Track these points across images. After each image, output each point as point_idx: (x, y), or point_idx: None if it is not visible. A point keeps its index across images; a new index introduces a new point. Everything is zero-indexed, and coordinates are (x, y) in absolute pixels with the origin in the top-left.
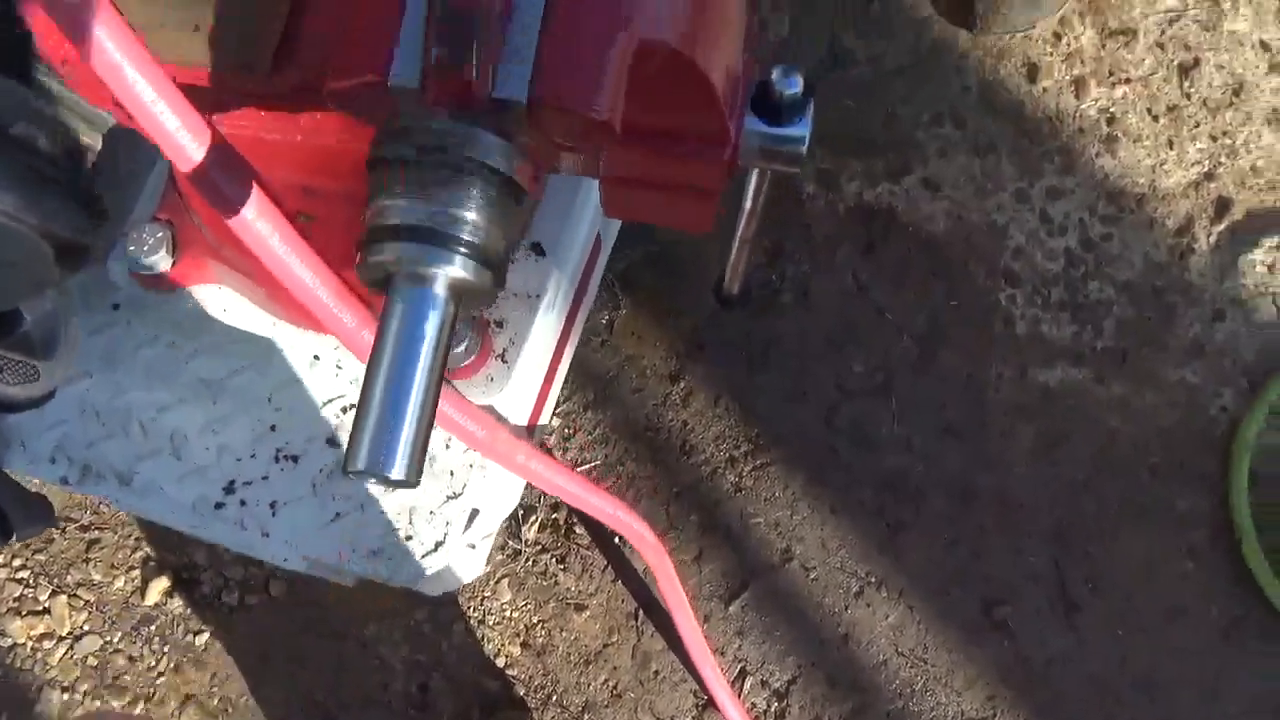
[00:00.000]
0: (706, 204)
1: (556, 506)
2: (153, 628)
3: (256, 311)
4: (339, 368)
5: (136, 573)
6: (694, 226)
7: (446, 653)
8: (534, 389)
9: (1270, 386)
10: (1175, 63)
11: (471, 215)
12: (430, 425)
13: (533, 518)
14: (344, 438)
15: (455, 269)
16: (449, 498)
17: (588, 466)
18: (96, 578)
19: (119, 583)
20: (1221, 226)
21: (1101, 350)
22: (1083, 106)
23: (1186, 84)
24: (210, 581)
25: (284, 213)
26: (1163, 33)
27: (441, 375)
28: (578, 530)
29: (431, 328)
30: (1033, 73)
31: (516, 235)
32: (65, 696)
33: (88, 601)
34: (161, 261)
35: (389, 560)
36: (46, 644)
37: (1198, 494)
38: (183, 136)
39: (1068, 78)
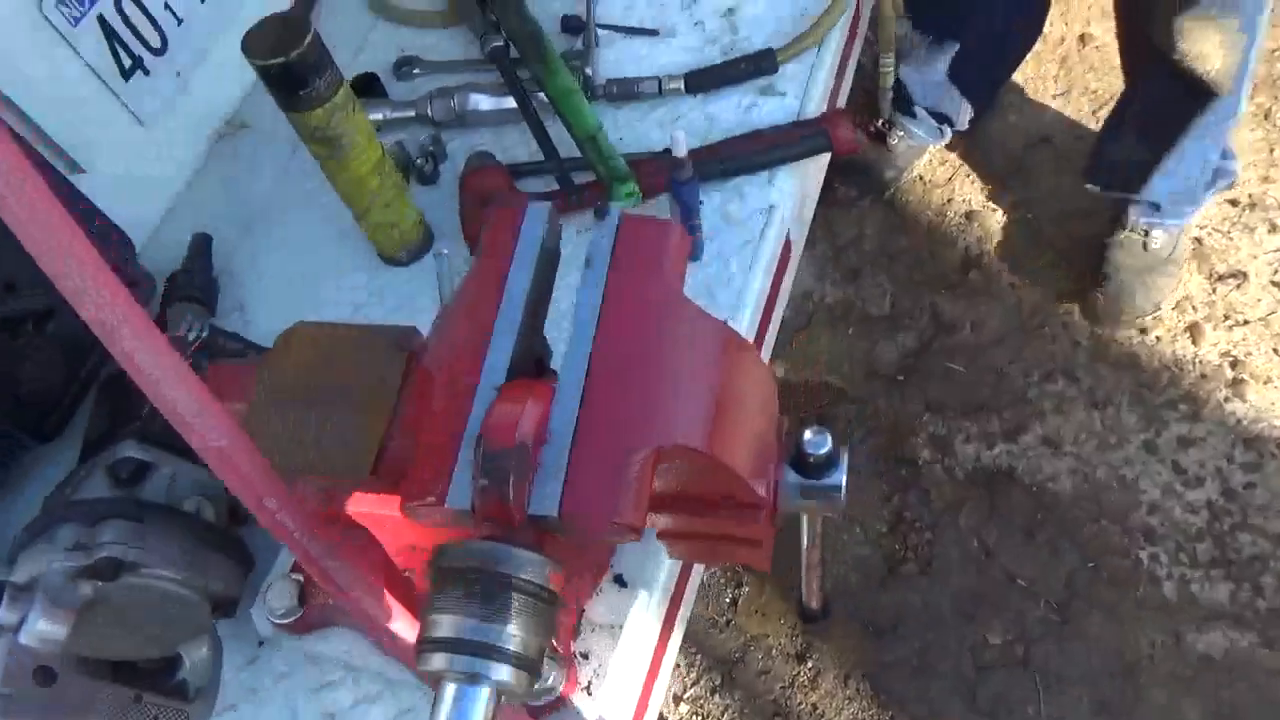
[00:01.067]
0: (759, 550)
1: None
2: None
3: (374, 649)
4: None
5: None
6: (754, 565)
7: None
8: (625, 714)
9: None
10: None
11: (510, 627)
12: None
13: None
14: None
15: (497, 674)
16: None
17: None
18: None
19: None
20: None
21: (1266, 611)
22: (1201, 352)
23: None
24: None
25: (394, 570)
26: (1275, 271)
27: None
28: None
29: None
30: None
31: (552, 630)
32: None
33: None
34: (294, 610)
35: None
36: None
37: None
38: (303, 539)
39: (1181, 324)
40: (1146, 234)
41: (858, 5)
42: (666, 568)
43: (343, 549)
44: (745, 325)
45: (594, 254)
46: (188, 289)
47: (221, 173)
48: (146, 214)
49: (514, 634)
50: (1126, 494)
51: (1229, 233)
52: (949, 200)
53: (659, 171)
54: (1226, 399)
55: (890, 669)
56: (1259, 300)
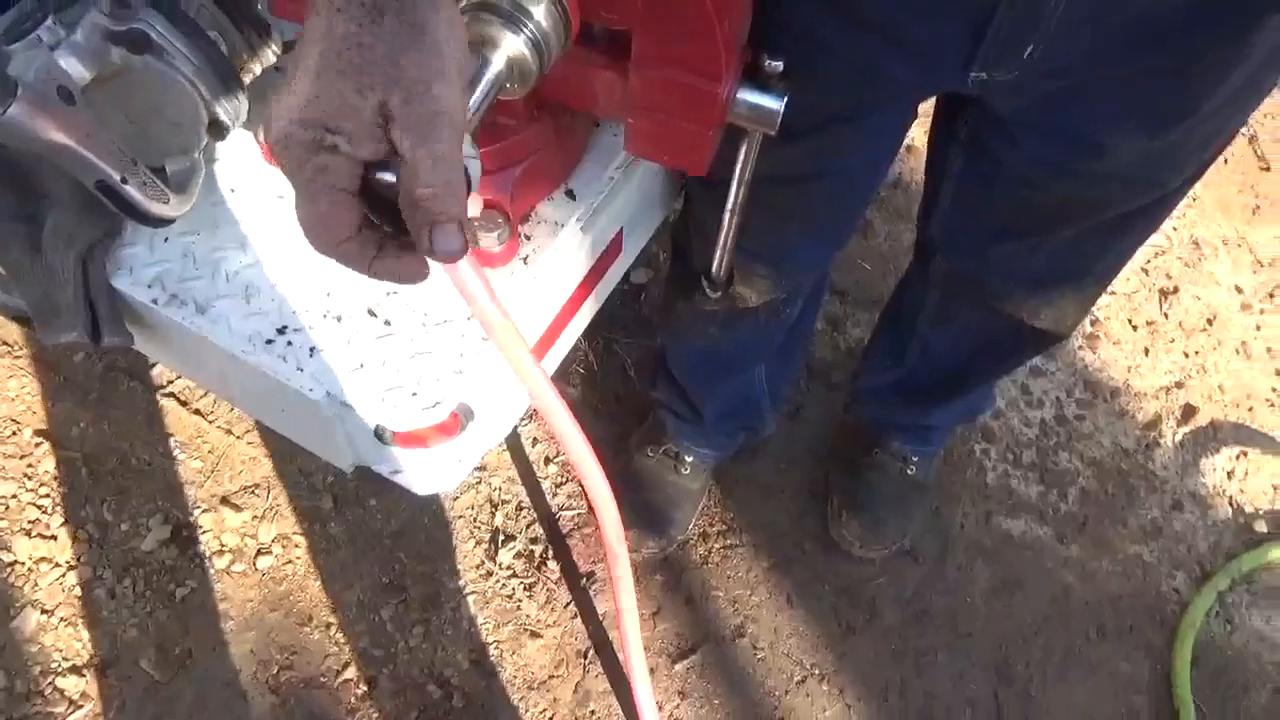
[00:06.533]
0: (703, 142)
1: (535, 540)
2: (140, 571)
3: None
4: None
5: (144, 520)
6: (692, 167)
7: (401, 653)
8: (546, 313)
9: (1222, 573)
10: (1157, 286)
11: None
12: None
13: (511, 544)
14: (381, 312)
15: (513, 43)
16: (456, 372)
17: (572, 513)
18: (107, 518)
19: (124, 526)
20: (1187, 429)
21: (1064, 514)
22: None
23: (1165, 305)
24: (207, 543)
25: None
26: (1148, 261)
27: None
28: (550, 565)
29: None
30: None
31: (558, 52)
32: (42, 618)
33: (92, 537)
34: None
35: (392, 407)
36: (43, 567)
37: (1142, 661)
38: None
39: None
40: (904, 460)
41: None
42: (604, 199)
43: None
44: None
45: None
46: None
47: None
48: None
49: (540, 20)
50: None
51: None
52: None
53: None
54: (1080, 347)
55: (742, 482)
56: (1129, 279)
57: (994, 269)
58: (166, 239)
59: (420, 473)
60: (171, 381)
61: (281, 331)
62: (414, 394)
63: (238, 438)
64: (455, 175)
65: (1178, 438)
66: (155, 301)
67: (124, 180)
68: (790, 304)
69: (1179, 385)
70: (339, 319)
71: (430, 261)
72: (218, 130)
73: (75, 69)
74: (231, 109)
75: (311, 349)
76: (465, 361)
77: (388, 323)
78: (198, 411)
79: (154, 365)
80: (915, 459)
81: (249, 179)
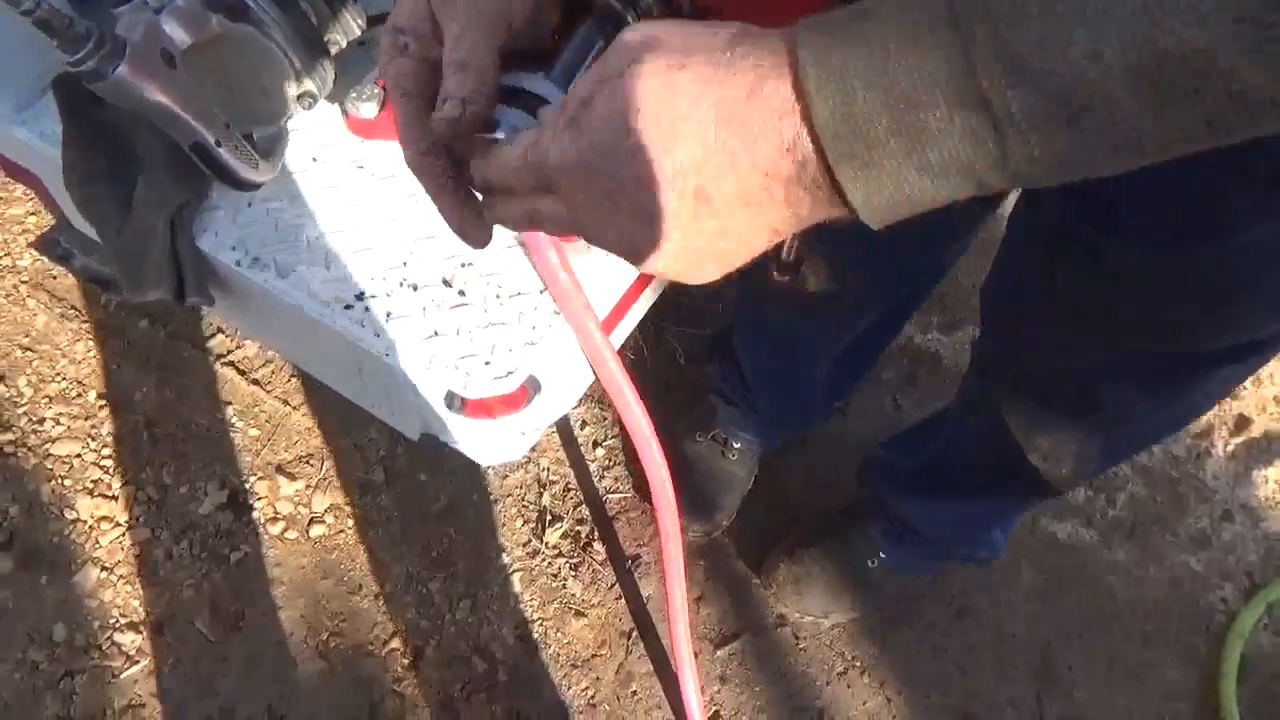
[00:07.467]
0: None
1: (582, 521)
2: (197, 534)
3: None
4: None
5: (202, 485)
6: None
7: (447, 625)
8: (616, 288)
9: (1273, 585)
10: None
11: None
12: None
13: (558, 525)
14: (456, 282)
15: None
16: (528, 343)
17: (619, 496)
18: (167, 481)
19: (182, 489)
20: (1239, 440)
21: (1111, 519)
22: None
23: None
24: (261, 509)
25: None
26: None
27: None
28: (596, 546)
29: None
30: None
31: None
32: (102, 575)
33: (151, 498)
34: (369, 110)
35: (464, 374)
36: (104, 525)
37: (1187, 670)
38: None
39: None
40: (879, 556)
41: None
42: None
43: None
44: None
45: None
46: None
47: None
48: None
49: None
50: None
51: None
52: None
53: None
54: None
55: (789, 472)
56: None
57: (1012, 356)
58: (250, 204)
59: (484, 443)
60: (231, 351)
61: (359, 297)
62: (486, 362)
63: (294, 408)
64: (470, 58)
65: (1230, 448)
66: (238, 264)
67: (218, 143)
68: (856, 312)
69: (1232, 395)
70: (415, 288)
71: (508, 233)
72: (306, 100)
73: (177, 33)
74: (320, 79)
75: (388, 314)
76: (537, 334)
77: (462, 293)
78: (255, 381)
79: (214, 335)
80: (887, 562)
81: (331, 149)
